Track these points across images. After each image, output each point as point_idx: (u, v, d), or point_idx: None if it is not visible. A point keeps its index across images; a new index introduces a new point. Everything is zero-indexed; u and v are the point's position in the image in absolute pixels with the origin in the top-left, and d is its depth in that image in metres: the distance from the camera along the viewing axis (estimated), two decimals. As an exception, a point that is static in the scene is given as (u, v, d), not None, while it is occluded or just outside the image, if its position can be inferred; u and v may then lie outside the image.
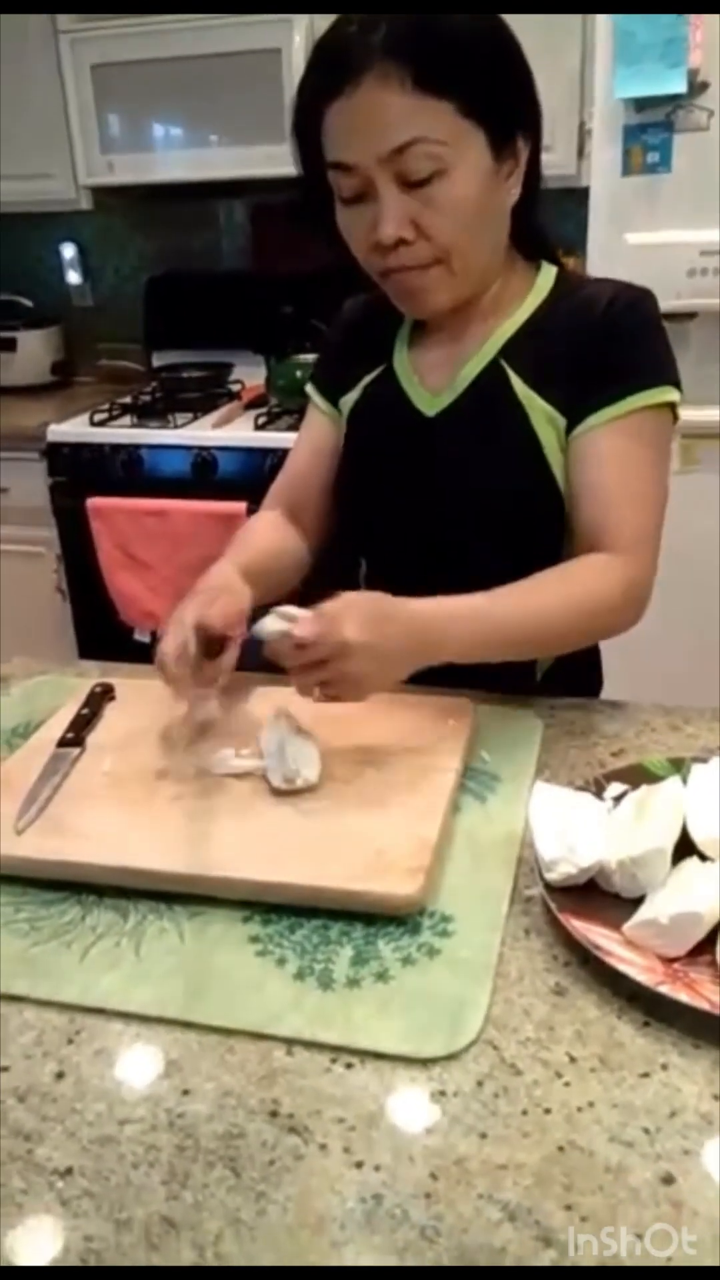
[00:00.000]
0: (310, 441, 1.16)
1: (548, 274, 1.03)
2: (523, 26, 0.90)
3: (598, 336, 0.96)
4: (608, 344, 0.95)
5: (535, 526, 1.01)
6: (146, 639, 2.56)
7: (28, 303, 2.91)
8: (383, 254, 0.92)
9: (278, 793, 0.82)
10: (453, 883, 0.75)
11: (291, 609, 0.82)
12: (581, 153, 2.11)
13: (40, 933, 0.73)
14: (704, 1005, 0.61)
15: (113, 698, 1.00)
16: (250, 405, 2.54)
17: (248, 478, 2.33)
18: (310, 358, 2.36)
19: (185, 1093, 0.60)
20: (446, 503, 1.02)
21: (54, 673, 1.12)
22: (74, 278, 2.97)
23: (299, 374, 2.37)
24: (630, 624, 0.95)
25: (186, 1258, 0.51)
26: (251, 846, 0.77)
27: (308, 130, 0.91)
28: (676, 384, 0.96)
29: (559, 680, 1.09)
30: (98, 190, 2.61)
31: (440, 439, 1.02)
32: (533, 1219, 0.52)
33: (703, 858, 0.71)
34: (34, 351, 2.87)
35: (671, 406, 0.96)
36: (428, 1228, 0.52)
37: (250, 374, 2.66)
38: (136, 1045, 0.64)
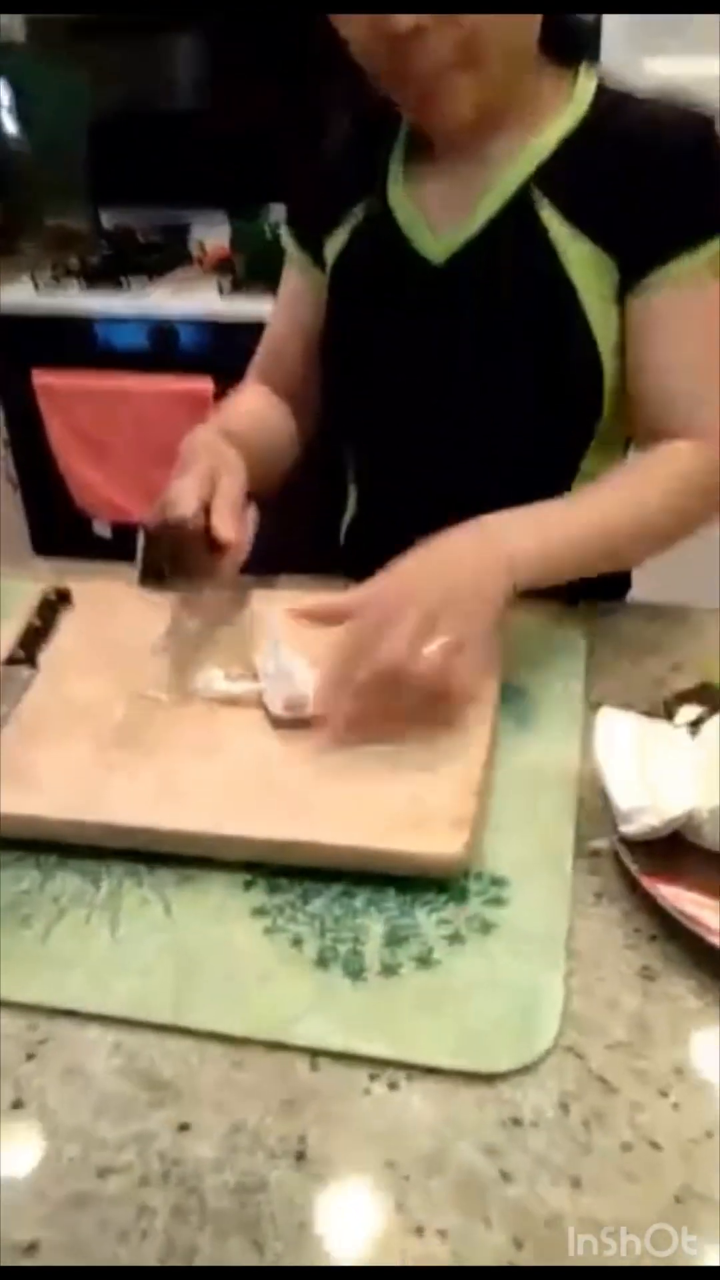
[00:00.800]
0: (289, 306, 0.96)
1: (586, 84, 0.82)
2: None
3: (663, 171, 0.76)
4: (678, 182, 0.76)
5: (568, 399, 0.84)
6: (107, 533, 2.36)
7: (-42, 153, 2.60)
8: (394, 49, 0.71)
9: (280, 723, 0.67)
10: (502, 835, 0.61)
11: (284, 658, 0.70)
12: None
13: (-11, 907, 0.58)
14: None
15: (70, 605, 0.84)
16: (214, 269, 2.30)
17: (212, 352, 2.11)
18: (282, 213, 2.12)
19: (184, 1128, 0.47)
20: (459, 371, 0.85)
21: (6, 577, 0.94)
22: (8, 125, 2.64)
23: (266, 233, 2.13)
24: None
25: None
26: (253, 793, 0.62)
27: None
28: None
29: (585, 583, 0.93)
30: (31, 22, 2.29)
31: (451, 291, 0.83)
32: (618, 1257, 0.39)
33: None
34: (-33, 210, 2.57)
35: None
36: (519, 1323, 0.39)
37: (212, 234, 2.40)
38: (117, 1061, 0.50)
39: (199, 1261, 0.41)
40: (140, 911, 0.57)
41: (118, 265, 2.30)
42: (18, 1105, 0.48)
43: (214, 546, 0.73)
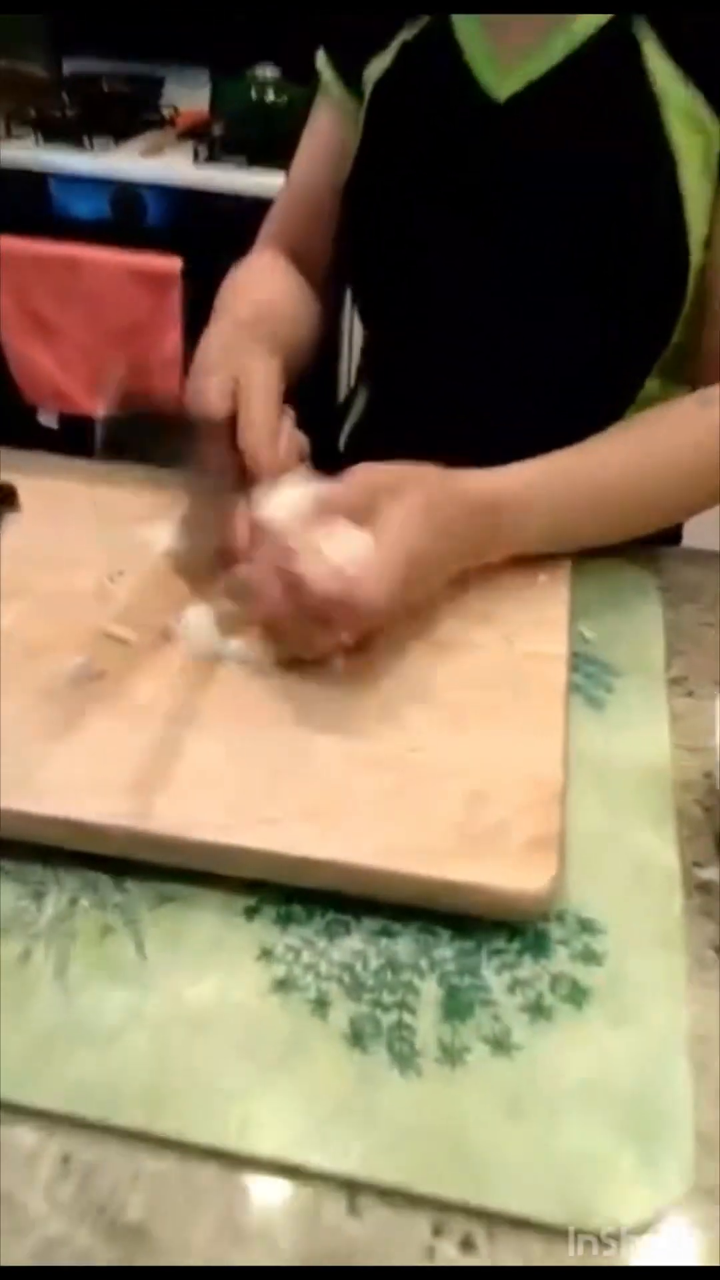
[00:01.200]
0: (321, 152, 0.77)
1: None
2: None
3: None
4: None
5: (642, 293, 0.67)
6: (54, 423, 2.14)
7: None
8: None
9: (292, 677, 0.51)
10: (584, 858, 0.46)
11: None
12: None
13: None
14: None
15: (15, 508, 0.66)
16: (189, 133, 2.04)
17: (182, 227, 1.88)
18: (268, 72, 1.88)
19: (162, 1304, 0.32)
20: (512, 240, 0.67)
21: None
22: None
23: (253, 95, 1.88)
24: None
25: None
26: (262, 786, 0.46)
27: None
28: None
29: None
30: None
31: (513, 137, 0.65)
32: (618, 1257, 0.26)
33: None
34: None
35: None
36: None
37: (188, 94, 2.14)
38: (64, 1188, 0.34)
39: None
40: (101, 947, 0.41)
41: (80, 120, 2.03)
42: None
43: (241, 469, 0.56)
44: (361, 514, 0.51)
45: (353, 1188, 0.34)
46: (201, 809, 0.44)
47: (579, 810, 0.48)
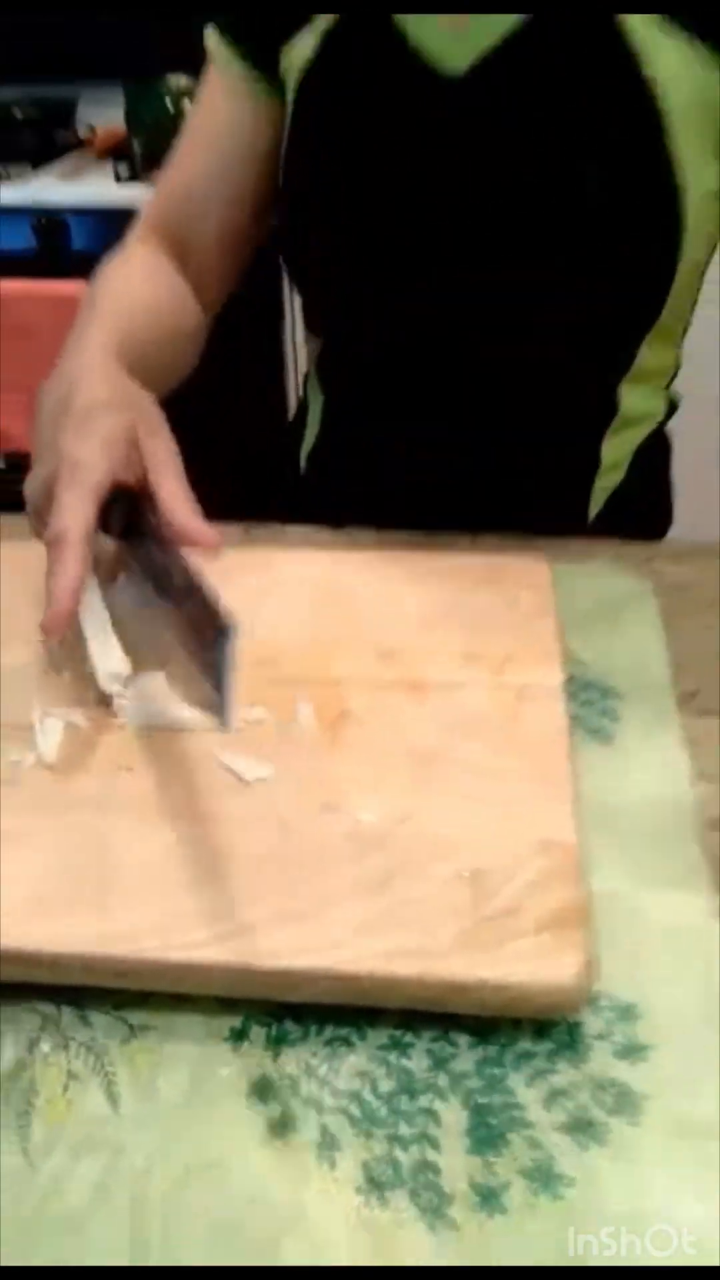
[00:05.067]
0: (210, 129, 0.68)
1: None
2: None
3: None
4: None
5: (633, 271, 0.61)
6: (0, 463, 2.07)
7: None
8: None
9: (240, 747, 0.45)
10: (608, 925, 0.40)
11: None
12: None
13: None
14: None
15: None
16: (108, 152, 1.97)
17: (109, 249, 1.81)
18: (182, 79, 1.81)
19: None
20: (480, 226, 0.60)
21: None
22: None
23: (168, 103, 1.82)
24: None
25: None
26: (230, 885, 0.39)
27: None
28: None
29: (622, 515, 0.72)
30: None
31: (475, 114, 0.58)
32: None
33: None
34: None
35: None
36: None
37: (102, 112, 2.07)
38: None
39: None
40: (67, 1102, 0.35)
41: (-7, 149, 1.97)
42: None
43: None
44: None
45: None
46: (164, 919, 0.38)
47: (594, 868, 0.42)
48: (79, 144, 2.06)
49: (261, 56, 0.64)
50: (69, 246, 1.89)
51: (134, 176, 1.84)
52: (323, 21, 0.61)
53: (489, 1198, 0.32)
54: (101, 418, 0.48)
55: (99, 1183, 0.33)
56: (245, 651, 0.39)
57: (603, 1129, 0.34)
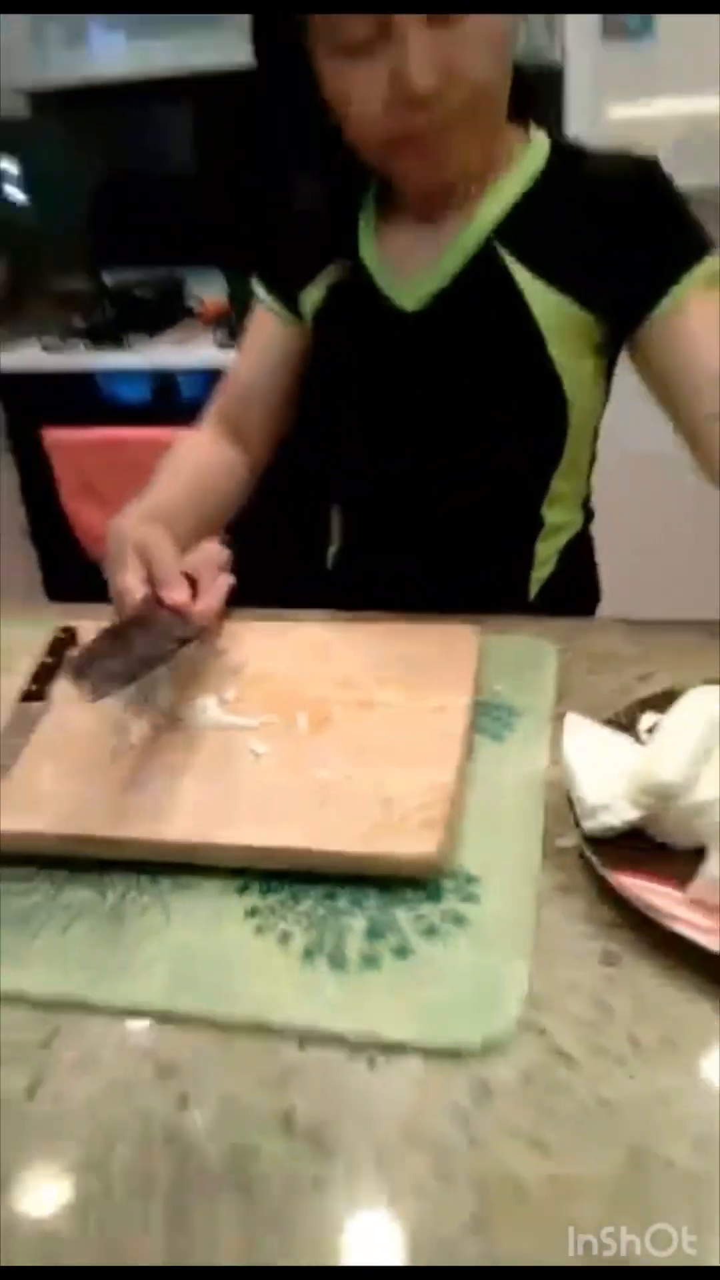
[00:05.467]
0: (257, 347, 1.02)
1: (540, 143, 0.88)
2: None
3: (626, 219, 0.83)
4: (642, 227, 0.83)
5: (536, 430, 0.90)
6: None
7: (-34, 223, 2.71)
8: (406, 113, 0.75)
9: (268, 736, 0.72)
10: (474, 836, 0.66)
11: None
12: (551, 27, 1.94)
13: (8, 914, 0.63)
14: (784, 971, 0.53)
15: (76, 643, 0.89)
16: (212, 322, 2.39)
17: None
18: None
19: (184, 1098, 0.51)
20: (435, 408, 0.91)
21: (11, 618, 1.01)
22: (16, 194, 2.76)
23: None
24: None
25: (195, 1317, 0.42)
26: (242, 806, 0.67)
27: None
28: (711, 247, 0.84)
29: (556, 596, 0.99)
30: (34, 97, 2.41)
31: (424, 336, 0.89)
32: (604, 1245, 0.43)
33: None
34: (-24, 275, 2.68)
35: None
36: (482, 1258, 0.43)
37: (209, 289, 2.50)
38: (123, 1047, 0.55)
39: (197, 1219, 0.46)
40: (142, 918, 0.62)
41: (120, 323, 2.40)
42: (32, 1090, 0.53)
43: (176, 612, 0.74)
44: None
45: (302, 1035, 0.54)
46: (203, 823, 0.65)
47: (476, 807, 0.68)
48: (189, 314, 2.48)
49: (287, 299, 0.96)
50: (179, 398, 2.27)
51: (233, 341, 2.23)
52: (327, 276, 0.93)
53: (370, 960, 0.57)
54: (124, 550, 0.77)
55: (158, 949, 0.59)
56: (264, 680, 0.67)
57: (441, 931, 0.59)
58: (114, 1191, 0.47)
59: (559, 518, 0.96)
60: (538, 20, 1.95)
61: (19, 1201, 0.48)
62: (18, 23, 2.28)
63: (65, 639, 0.89)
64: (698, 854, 0.60)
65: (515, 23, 0.78)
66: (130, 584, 0.74)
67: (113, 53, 2.29)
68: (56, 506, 2.39)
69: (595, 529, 1.04)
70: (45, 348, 2.35)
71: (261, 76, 0.83)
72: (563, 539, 0.98)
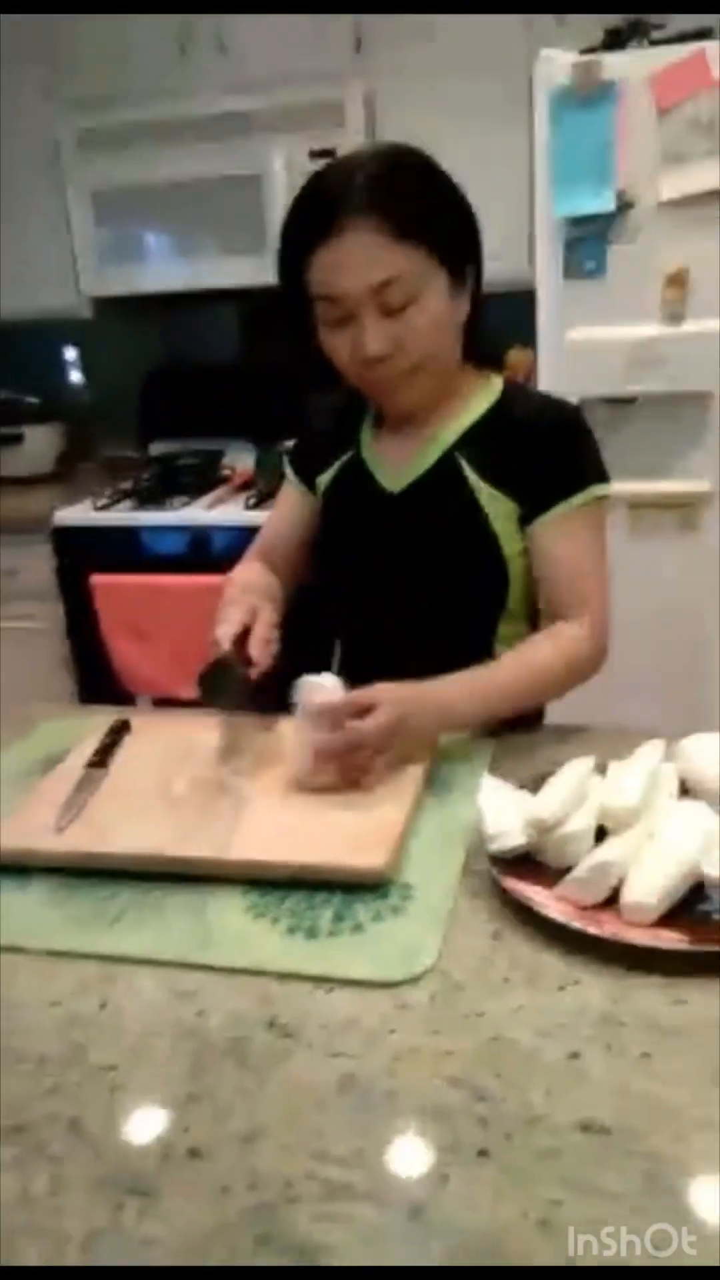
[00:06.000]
0: (286, 510, 1.36)
1: (495, 384, 1.23)
2: (475, 158, 1.13)
3: (545, 454, 1.17)
4: (558, 454, 1.17)
5: (484, 587, 1.21)
6: (149, 708, 2.73)
7: (34, 400, 3.15)
8: (367, 366, 1.11)
9: (271, 793, 1.00)
10: (415, 860, 0.92)
11: (326, 677, 1.04)
12: (531, 260, 2.37)
13: (79, 907, 0.90)
14: (605, 934, 0.78)
15: (129, 731, 1.18)
16: (241, 488, 2.77)
17: (240, 553, 2.52)
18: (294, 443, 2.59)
19: (201, 1013, 0.76)
20: (410, 567, 1.22)
21: (75, 716, 1.30)
22: (75, 377, 3.22)
23: (284, 459, 2.59)
24: (599, 668, 1.18)
25: (205, 1116, 0.67)
26: (248, 835, 0.94)
27: (292, 267, 1.10)
28: (607, 480, 1.18)
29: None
30: (98, 299, 2.87)
31: (402, 513, 1.22)
32: (470, 1085, 0.68)
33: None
34: (39, 444, 3.10)
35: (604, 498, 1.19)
36: (390, 1091, 0.68)
37: (240, 460, 2.89)
38: (161, 983, 0.80)
39: (208, 1070, 0.71)
40: (176, 909, 0.88)
41: (163, 487, 2.78)
42: (102, 1006, 0.78)
43: (247, 662, 1.09)
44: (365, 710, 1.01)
45: (283, 976, 0.79)
46: (220, 846, 0.92)
47: (418, 844, 0.94)
48: (223, 481, 2.86)
49: (308, 482, 1.30)
50: (212, 551, 2.61)
51: (259, 504, 2.59)
52: (336, 465, 1.26)
53: (334, 933, 0.83)
54: (242, 598, 1.12)
55: (187, 926, 0.85)
56: (270, 756, 0.96)
57: (384, 917, 0.84)
58: (155, 1059, 0.72)
59: (506, 650, 1.25)
60: (521, 256, 2.38)
61: (94, 1061, 0.72)
62: (88, 243, 2.76)
63: (120, 726, 1.18)
64: (567, 871, 0.86)
65: (453, 314, 1.13)
66: (224, 635, 1.11)
67: (167, 270, 2.75)
68: (96, 644, 2.70)
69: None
70: (96, 507, 2.72)
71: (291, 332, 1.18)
72: None
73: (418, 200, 1.07)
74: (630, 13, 2.10)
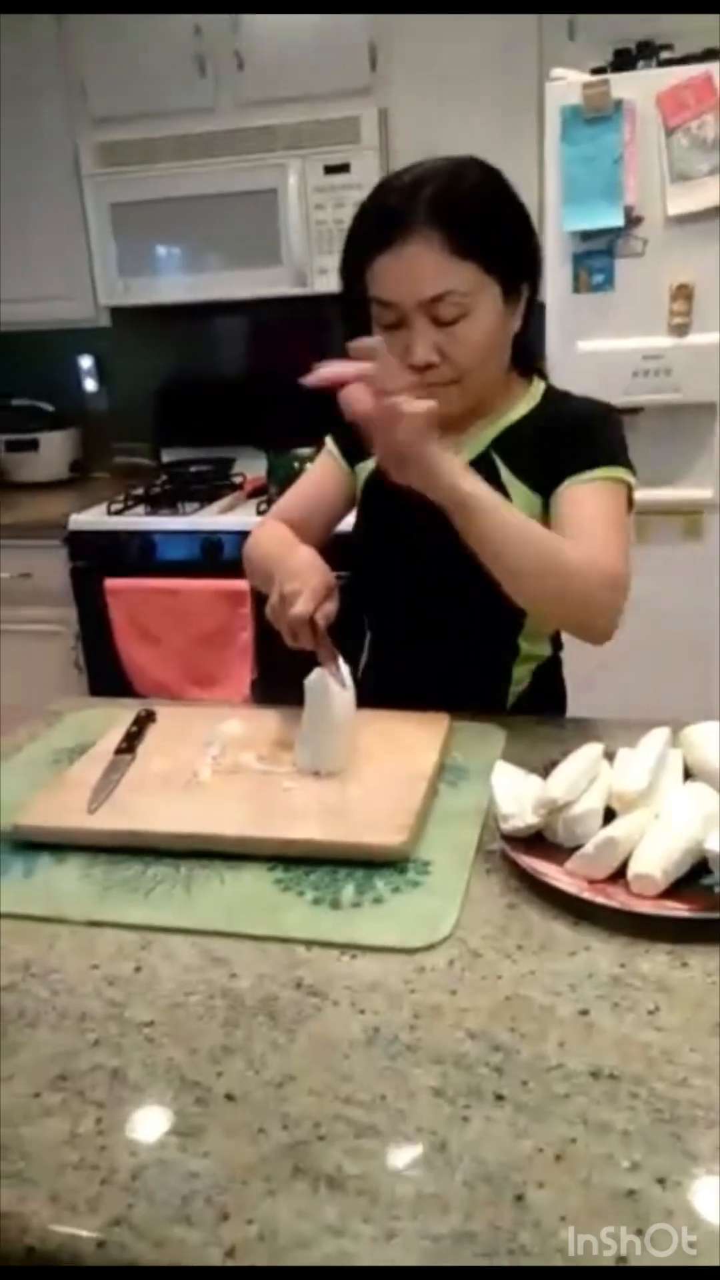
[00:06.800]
0: (320, 474, 1.40)
1: (537, 387, 1.28)
2: None
3: (579, 433, 1.21)
4: (581, 437, 1.20)
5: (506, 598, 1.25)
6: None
7: (49, 407, 3.21)
8: (414, 371, 1.15)
9: (292, 777, 1.05)
10: (432, 839, 0.97)
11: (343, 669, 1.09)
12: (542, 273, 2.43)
13: (113, 881, 0.94)
14: (614, 904, 0.83)
15: (154, 721, 1.23)
16: (252, 494, 2.82)
17: (251, 558, 2.59)
18: (305, 451, 2.65)
19: (233, 975, 0.81)
20: (442, 562, 1.26)
21: (100, 706, 1.35)
22: (91, 385, 3.28)
23: (296, 465, 2.64)
24: (602, 612, 1.12)
25: (239, 1065, 0.71)
26: (275, 815, 0.99)
27: (355, 270, 1.16)
28: (631, 469, 1.20)
29: (529, 706, 1.32)
30: (114, 309, 2.93)
31: (437, 509, 1.26)
32: (487, 1037, 0.73)
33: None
34: (54, 451, 3.16)
35: (628, 489, 1.20)
36: (412, 1044, 0.72)
37: (251, 467, 2.95)
38: (193, 950, 0.85)
39: (240, 1025, 0.75)
40: (204, 883, 0.93)
41: (175, 493, 2.84)
42: (138, 969, 0.83)
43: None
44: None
45: (309, 943, 0.84)
46: (246, 824, 0.97)
47: (434, 825, 0.99)
48: (234, 488, 2.92)
49: (350, 460, 1.34)
50: (222, 556, 2.67)
51: (269, 510, 2.64)
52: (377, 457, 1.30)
53: (356, 904, 0.88)
54: (304, 575, 1.12)
55: (214, 899, 0.90)
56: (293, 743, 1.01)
57: (403, 889, 0.89)
58: (189, 1016, 0.77)
59: (531, 650, 1.30)
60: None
61: (132, 1018, 0.77)
62: (106, 255, 2.82)
63: (145, 716, 1.23)
64: (576, 850, 0.91)
65: (504, 329, 1.17)
66: (303, 610, 1.09)
67: (182, 282, 2.81)
68: (109, 645, 2.76)
69: (566, 653, 1.37)
70: (110, 512, 2.78)
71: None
72: (534, 664, 1.32)
73: (479, 218, 1.12)
74: (634, 13, 2.15)
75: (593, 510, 1.17)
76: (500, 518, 1.07)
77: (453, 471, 1.06)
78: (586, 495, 1.18)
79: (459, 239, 1.09)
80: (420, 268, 1.10)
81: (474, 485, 1.06)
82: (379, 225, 1.12)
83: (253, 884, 0.92)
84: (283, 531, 1.34)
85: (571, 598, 1.11)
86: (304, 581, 1.11)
